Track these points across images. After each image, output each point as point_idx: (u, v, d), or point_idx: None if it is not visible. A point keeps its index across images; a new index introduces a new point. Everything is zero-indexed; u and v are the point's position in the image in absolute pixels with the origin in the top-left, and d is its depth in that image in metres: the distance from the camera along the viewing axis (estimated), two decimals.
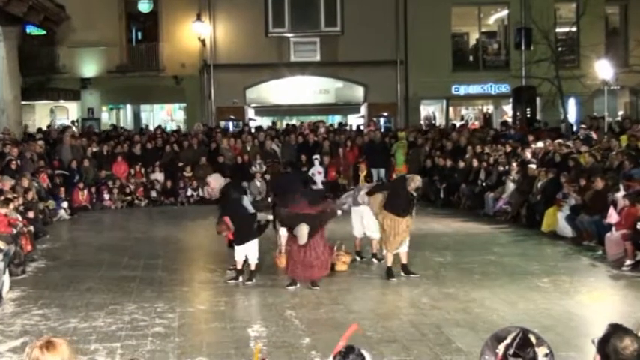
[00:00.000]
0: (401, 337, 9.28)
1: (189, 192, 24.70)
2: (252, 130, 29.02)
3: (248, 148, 26.07)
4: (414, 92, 33.41)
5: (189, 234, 18.92)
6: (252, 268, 12.58)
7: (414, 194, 12.82)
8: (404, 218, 12.56)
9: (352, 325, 4.92)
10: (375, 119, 32.65)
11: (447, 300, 11.08)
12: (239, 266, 12.56)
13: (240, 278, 12.46)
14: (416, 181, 12.74)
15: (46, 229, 18.63)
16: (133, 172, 25.19)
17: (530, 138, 23.19)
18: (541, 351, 3.90)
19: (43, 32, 31.76)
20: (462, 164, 23.10)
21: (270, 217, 13.35)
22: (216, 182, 14.63)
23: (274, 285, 12.27)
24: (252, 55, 32.22)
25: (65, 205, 21.85)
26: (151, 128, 32.58)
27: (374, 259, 14.07)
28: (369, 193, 13.29)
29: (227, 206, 12.76)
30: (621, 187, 15.05)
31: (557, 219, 16.87)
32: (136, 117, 37.90)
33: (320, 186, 23.50)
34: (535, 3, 31.43)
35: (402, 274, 12.71)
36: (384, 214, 12.64)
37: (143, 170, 25.38)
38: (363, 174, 20.40)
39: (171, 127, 34.41)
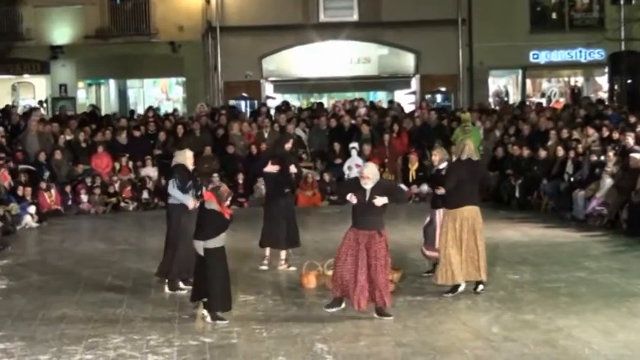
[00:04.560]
0: None
1: None
2: (271, 112, 29.05)
3: (265, 135, 26.10)
4: (480, 61, 33.30)
5: None
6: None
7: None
8: None
9: None
10: (429, 96, 32.56)
11: (525, 329, 11.04)
12: None
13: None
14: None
15: (7, 239, 18.77)
16: (117, 166, 25.30)
17: (633, 119, 23.00)
18: None
19: None
20: (543, 154, 22.97)
21: None
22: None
23: (300, 311, 12.27)
24: (271, 15, 32.29)
25: (32, 209, 21.95)
26: (141, 110, 32.73)
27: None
28: None
29: None
30: None
31: None
32: (122, 95, 38.11)
33: None
34: None
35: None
36: None
37: (131, 164, 25.49)
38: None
39: (166, 108, 34.55)
